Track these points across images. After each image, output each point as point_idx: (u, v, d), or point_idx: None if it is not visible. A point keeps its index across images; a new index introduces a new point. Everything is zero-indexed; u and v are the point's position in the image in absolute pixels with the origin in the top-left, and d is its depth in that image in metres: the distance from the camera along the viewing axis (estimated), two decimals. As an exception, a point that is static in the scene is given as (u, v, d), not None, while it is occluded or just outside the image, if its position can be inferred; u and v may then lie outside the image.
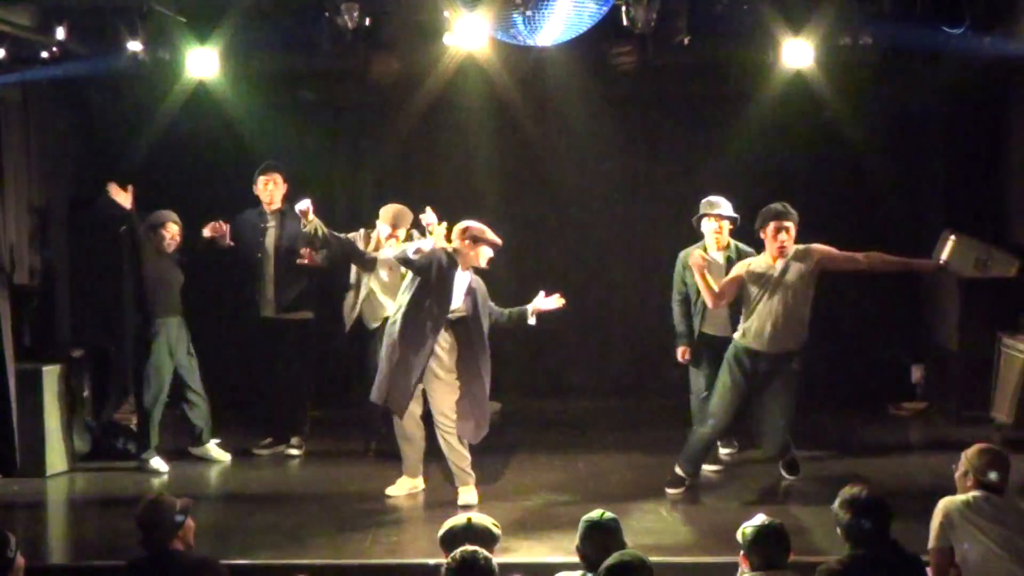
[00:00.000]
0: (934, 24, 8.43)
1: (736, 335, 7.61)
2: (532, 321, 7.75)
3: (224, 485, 8.30)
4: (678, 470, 7.64)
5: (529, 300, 10.62)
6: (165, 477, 8.32)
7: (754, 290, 7.48)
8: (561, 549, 6.23)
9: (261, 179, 8.81)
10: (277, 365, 8.88)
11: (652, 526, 6.96)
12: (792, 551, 4.69)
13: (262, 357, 8.96)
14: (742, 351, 7.52)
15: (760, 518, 4.69)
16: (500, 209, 10.51)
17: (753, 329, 7.47)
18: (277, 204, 8.85)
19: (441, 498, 7.58)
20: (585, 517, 4.75)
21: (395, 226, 8.35)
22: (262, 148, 9.84)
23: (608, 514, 4.74)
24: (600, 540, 4.63)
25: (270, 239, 8.84)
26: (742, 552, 4.69)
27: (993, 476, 5.18)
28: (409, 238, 8.34)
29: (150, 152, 9.90)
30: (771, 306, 7.43)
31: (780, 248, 7.45)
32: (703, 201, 8.21)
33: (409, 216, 8.45)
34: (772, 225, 7.48)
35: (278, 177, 8.83)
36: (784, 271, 7.46)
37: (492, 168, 10.40)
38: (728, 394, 7.54)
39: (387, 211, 8.45)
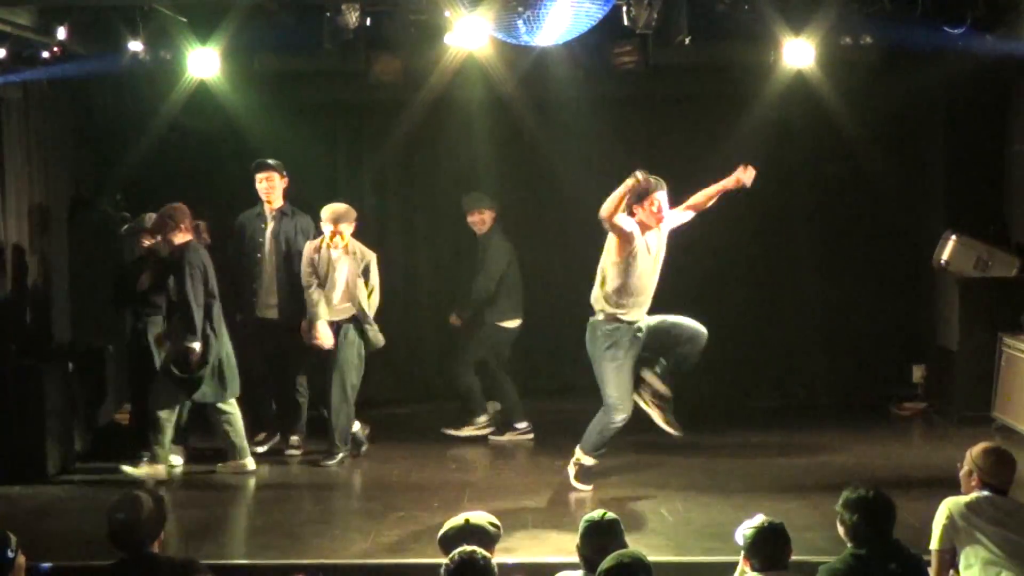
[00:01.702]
0: (935, 24, 8.43)
1: (617, 312, 7.60)
2: None
3: (224, 485, 8.28)
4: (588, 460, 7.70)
5: (527, 299, 10.66)
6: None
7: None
8: (561, 549, 6.22)
9: (256, 177, 8.78)
10: (273, 366, 8.87)
11: (652, 526, 6.96)
12: (792, 551, 4.68)
13: (257, 357, 8.90)
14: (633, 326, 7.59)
15: (760, 518, 4.69)
16: (499, 208, 10.52)
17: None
18: (277, 202, 8.82)
19: (441, 498, 7.58)
20: (586, 517, 4.74)
21: (336, 223, 8.42)
22: (262, 148, 9.85)
23: (609, 514, 4.73)
24: (600, 540, 4.63)
25: (267, 239, 8.81)
26: (742, 552, 4.68)
27: (997, 477, 5.18)
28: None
29: (151, 152, 9.91)
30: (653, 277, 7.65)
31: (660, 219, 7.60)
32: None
33: (351, 213, 8.49)
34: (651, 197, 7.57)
35: (273, 175, 8.76)
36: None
37: (493, 168, 10.38)
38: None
39: (327, 210, 8.49)
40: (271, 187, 8.78)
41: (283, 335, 8.78)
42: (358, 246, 8.58)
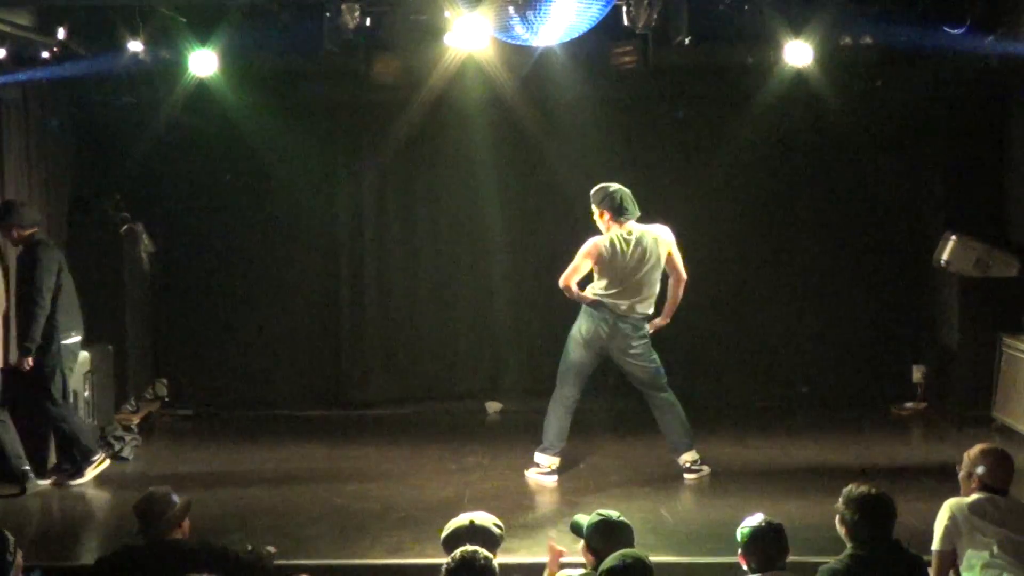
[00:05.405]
0: (935, 24, 8.43)
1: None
2: None
3: (223, 485, 8.28)
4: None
5: (527, 299, 10.66)
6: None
7: None
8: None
9: None
10: None
11: (652, 526, 6.96)
12: (792, 551, 4.68)
13: None
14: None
15: (759, 518, 4.69)
16: (499, 209, 10.53)
17: None
18: None
19: (442, 498, 7.59)
20: (600, 511, 4.76)
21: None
22: (262, 148, 9.87)
23: (623, 518, 4.77)
24: (614, 540, 4.64)
25: None
26: (741, 552, 4.68)
27: (997, 477, 5.18)
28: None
29: (151, 152, 9.91)
30: None
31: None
32: None
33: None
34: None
35: None
36: None
37: (492, 168, 10.37)
38: None
39: None
40: None
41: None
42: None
